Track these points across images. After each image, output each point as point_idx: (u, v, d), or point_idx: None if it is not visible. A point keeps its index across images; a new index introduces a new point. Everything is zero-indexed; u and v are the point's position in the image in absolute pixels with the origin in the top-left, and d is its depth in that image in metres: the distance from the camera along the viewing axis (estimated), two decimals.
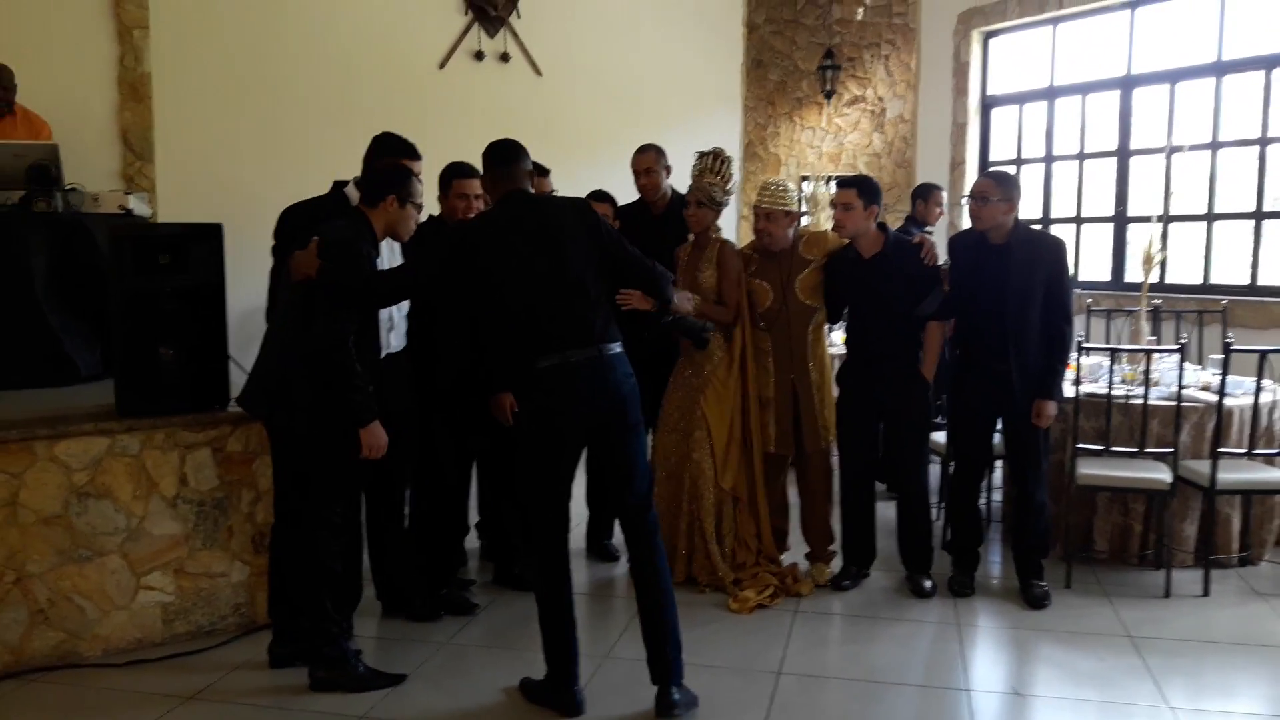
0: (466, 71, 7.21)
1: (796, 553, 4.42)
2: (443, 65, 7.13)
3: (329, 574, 3.35)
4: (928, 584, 4.18)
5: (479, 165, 3.43)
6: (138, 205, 4.77)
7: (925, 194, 5.97)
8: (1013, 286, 3.93)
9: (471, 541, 4.65)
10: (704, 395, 4.16)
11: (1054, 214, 7.58)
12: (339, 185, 3.65)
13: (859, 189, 4.05)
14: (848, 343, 4.38)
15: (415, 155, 3.58)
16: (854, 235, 4.09)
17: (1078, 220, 7.40)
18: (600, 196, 4.49)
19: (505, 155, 3.24)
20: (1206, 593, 4.11)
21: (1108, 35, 7.13)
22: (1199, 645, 3.65)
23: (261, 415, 3.50)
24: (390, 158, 3.51)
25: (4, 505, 3.35)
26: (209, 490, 3.67)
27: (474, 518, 4.60)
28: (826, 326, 4.37)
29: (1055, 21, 7.42)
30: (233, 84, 6.34)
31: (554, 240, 3.12)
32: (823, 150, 8.45)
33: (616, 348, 3.15)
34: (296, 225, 3.49)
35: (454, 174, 3.87)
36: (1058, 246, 4.04)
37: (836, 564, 4.35)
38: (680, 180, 4.52)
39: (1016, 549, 4.18)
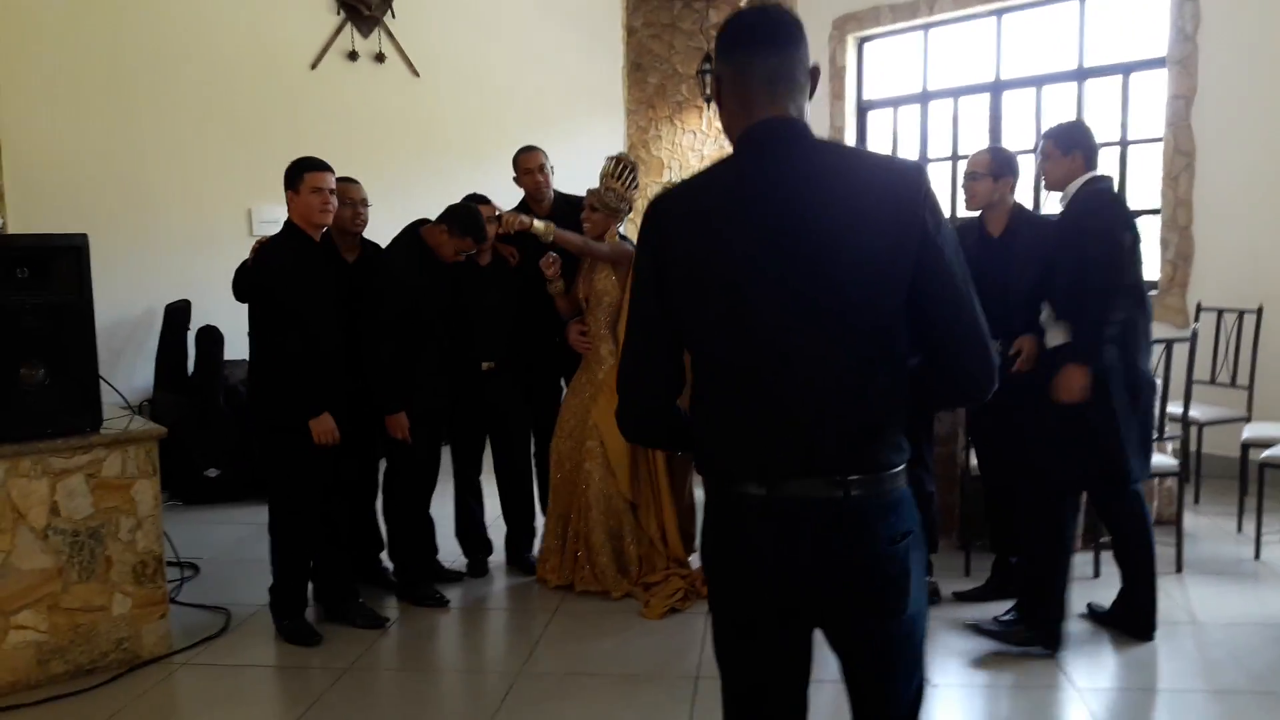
0: (340, 72, 6.97)
1: None
2: (315, 66, 6.87)
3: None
4: None
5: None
6: None
7: None
8: None
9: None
10: (596, 403, 4.15)
11: None
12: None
13: None
14: None
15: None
16: None
17: (954, 219, 7.64)
18: (479, 199, 4.32)
19: (734, 35, 1.67)
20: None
21: (977, 41, 7.39)
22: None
23: None
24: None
25: None
26: (83, 519, 3.41)
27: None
28: None
29: (926, 28, 7.65)
30: (88, 86, 5.97)
31: (812, 239, 1.58)
32: (704, 153, 8.51)
33: (888, 478, 1.65)
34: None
35: (305, 168, 3.73)
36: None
37: None
38: (577, 184, 4.44)
39: None
